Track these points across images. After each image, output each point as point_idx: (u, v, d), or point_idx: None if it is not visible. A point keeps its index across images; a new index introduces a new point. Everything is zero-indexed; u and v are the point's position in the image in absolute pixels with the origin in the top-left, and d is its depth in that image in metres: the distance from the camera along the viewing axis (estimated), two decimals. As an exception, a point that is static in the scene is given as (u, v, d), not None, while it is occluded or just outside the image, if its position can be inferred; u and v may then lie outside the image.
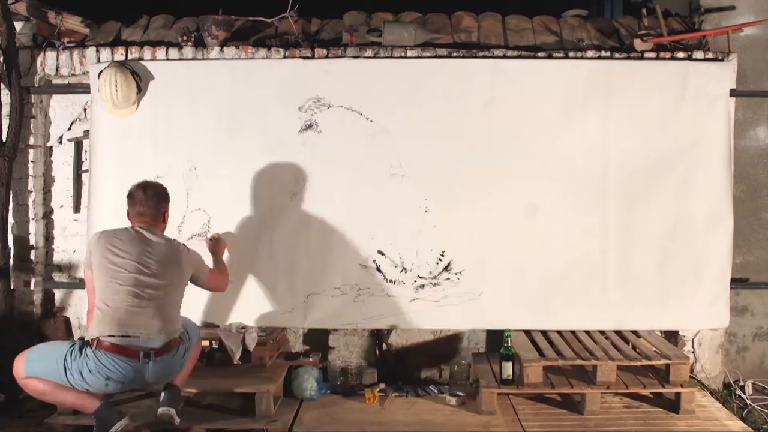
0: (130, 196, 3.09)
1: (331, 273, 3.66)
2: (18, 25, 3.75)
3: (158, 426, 2.93)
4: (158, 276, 2.94)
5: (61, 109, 3.92)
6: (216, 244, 3.53)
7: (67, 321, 3.93)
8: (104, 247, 2.93)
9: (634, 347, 3.54)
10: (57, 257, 3.96)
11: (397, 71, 3.67)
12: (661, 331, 3.82)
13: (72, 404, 2.96)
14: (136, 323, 2.84)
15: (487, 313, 3.67)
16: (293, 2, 3.75)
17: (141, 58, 3.75)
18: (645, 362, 3.34)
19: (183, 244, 3.15)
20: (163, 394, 2.93)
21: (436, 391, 3.65)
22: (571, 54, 3.75)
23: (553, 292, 3.67)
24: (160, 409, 2.89)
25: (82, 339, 2.91)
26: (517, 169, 3.65)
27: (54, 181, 3.96)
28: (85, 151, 3.87)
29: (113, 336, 2.80)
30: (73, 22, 3.81)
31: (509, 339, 3.42)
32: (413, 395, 3.63)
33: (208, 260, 3.40)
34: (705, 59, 3.74)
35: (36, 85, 3.84)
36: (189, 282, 3.16)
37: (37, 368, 2.85)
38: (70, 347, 2.85)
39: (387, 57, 3.74)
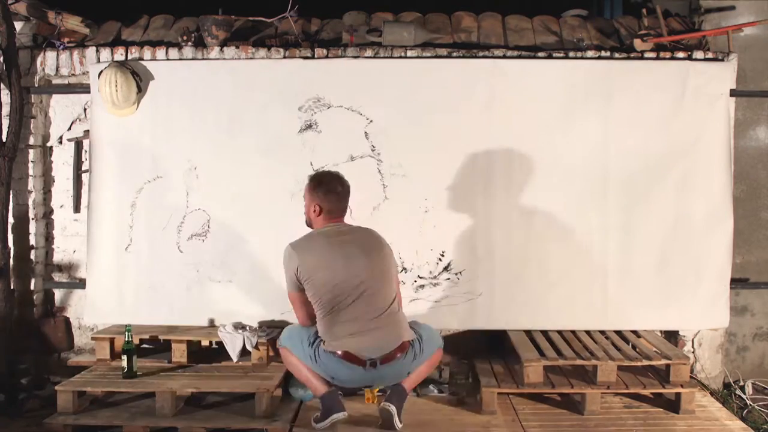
0: (326, 190, 3.06)
1: (331, 273, 3.66)
2: (18, 25, 3.75)
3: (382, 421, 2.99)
4: (376, 281, 2.97)
5: (61, 109, 3.92)
6: None
7: (67, 321, 3.93)
8: (309, 261, 2.96)
9: (634, 347, 3.54)
10: (57, 257, 3.96)
11: (397, 71, 3.67)
12: (661, 331, 3.82)
13: (306, 381, 3.09)
14: (362, 343, 2.91)
15: (487, 313, 3.68)
16: (293, 2, 3.75)
17: (141, 58, 3.75)
18: (645, 362, 3.33)
19: (381, 236, 3.16)
20: (390, 390, 3.04)
21: (436, 391, 3.64)
22: (571, 54, 3.76)
23: (554, 291, 3.67)
24: (383, 403, 2.98)
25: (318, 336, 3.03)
26: (517, 168, 3.65)
27: (54, 181, 3.96)
28: (85, 151, 3.87)
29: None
30: (73, 22, 3.81)
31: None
32: (413, 395, 3.63)
33: None
34: (705, 59, 3.74)
35: (36, 85, 3.85)
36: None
37: (287, 341, 3.12)
38: (309, 332, 3.05)
39: (387, 57, 3.74)
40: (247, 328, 3.54)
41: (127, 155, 3.69)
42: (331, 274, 2.95)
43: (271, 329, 3.62)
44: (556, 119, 3.64)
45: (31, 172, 3.86)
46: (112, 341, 3.56)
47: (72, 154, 3.89)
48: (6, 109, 3.66)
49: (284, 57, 3.74)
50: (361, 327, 2.94)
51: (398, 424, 2.96)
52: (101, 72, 3.56)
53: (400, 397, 3.02)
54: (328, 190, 3.07)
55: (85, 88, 3.80)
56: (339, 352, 2.93)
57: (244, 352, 3.49)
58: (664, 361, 3.35)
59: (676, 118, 3.65)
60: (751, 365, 4.01)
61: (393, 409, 2.95)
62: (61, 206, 3.95)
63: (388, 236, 3.61)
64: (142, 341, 3.71)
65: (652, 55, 3.75)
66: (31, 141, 3.85)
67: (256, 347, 3.48)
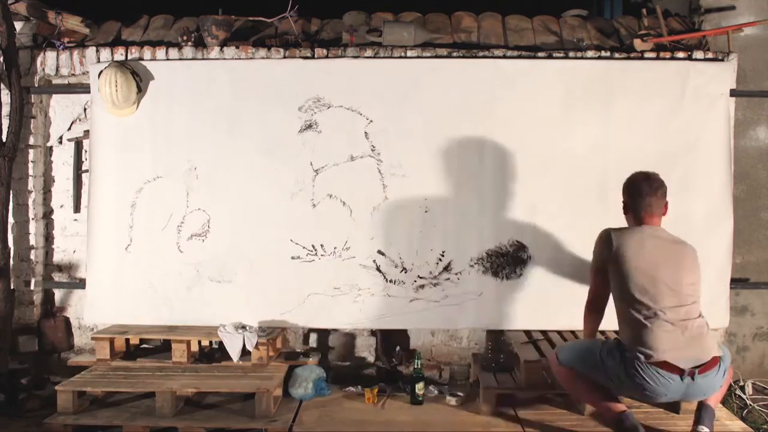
0: (637, 189, 2.92)
1: (331, 273, 3.66)
2: (18, 25, 3.75)
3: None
4: (691, 284, 2.80)
5: (61, 109, 3.92)
6: None
7: (67, 321, 3.93)
8: (634, 253, 2.80)
9: (634, 347, 3.53)
10: (57, 257, 3.96)
11: (397, 71, 3.67)
12: (661, 331, 3.81)
13: (592, 404, 2.95)
14: (683, 343, 2.71)
15: (487, 313, 3.68)
16: (293, 2, 3.75)
17: (141, 58, 3.75)
18: (645, 362, 3.33)
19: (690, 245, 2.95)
20: (699, 414, 2.86)
21: (436, 391, 3.64)
22: (571, 54, 3.76)
23: (554, 291, 3.67)
24: (699, 427, 2.82)
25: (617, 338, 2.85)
26: (517, 168, 3.65)
27: (54, 181, 3.96)
28: (85, 151, 3.87)
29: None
30: (73, 22, 3.81)
31: (419, 361, 3.49)
32: (418, 398, 3.62)
33: None
34: (705, 59, 3.74)
35: (36, 85, 3.85)
36: None
37: (568, 356, 2.93)
38: (604, 346, 2.84)
39: (387, 57, 3.74)
40: (247, 328, 3.54)
41: (127, 155, 3.69)
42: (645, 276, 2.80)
43: (272, 329, 3.63)
44: (557, 119, 3.64)
45: (31, 172, 3.86)
46: (112, 341, 3.56)
47: (72, 154, 3.90)
48: (6, 109, 3.66)
49: (284, 57, 3.74)
50: (677, 336, 2.73)
51: None
52: (101, 72, 3.56)
53: (711, 418, 2.85)
54: (632, 190, 2.95)
55: (85, 88, 3.80)
56: (658, 360, 2.69)
57: (244, 353, 3.49)
58: (664, 361, 3.34)
59: (676, 118, 3.65)
60: (751, 365, 4.01)
61: (706, 430, 2.81)
62: (61, 206, 3.96)
63: (388, 236, 3.64)
64: (142, 341, 3.72)
65: (652, 55, 3.75)
66: (31, 141, 3.86)
67: (256, 347, 3.48)
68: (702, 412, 2.86)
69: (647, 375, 2.71)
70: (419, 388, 3.45)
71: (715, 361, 2.77)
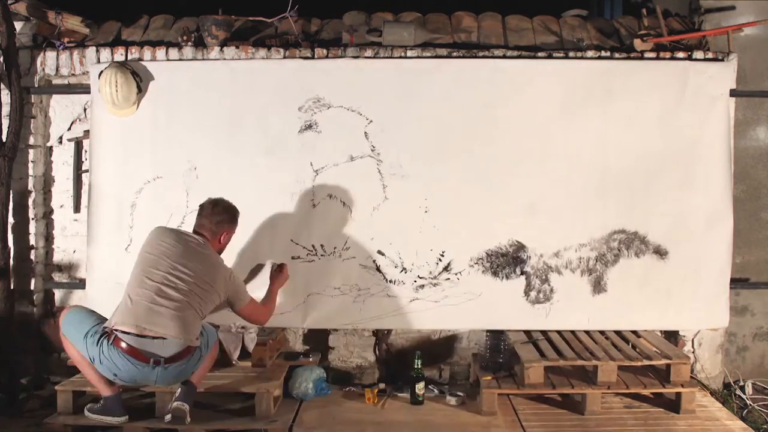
0: (201, 206, 3.23)
1: (330, 273, 3.66)
2: (18, 25, 3.75)
3: (172, 420, 2.99)
4: (188, 284, 2.96)
5: (61, 109, 3.92)
6: (278, 273, 3.50)
7: (67, 321, 3.93)
8: (151, 240, 3.06)
9: (634, 347, 3.54)
10: (57, 257, 3.96)
11: (397, 71, 3.67)
12: (661, 331, 3.82)
13: (90, 380, 3.07)
14: (154, 323, 2.88)
15: (487, 313, 3.67)
16: (293, 2, 3.75)
17: (141, 59, 3.75)
18: (646, 362, 3.34)
19: (229, 270, 3.18)
20: (179, 390, 3.04)
21: (436, 391, 3.64)
22: (571, 54, 3.75)
23: (553, 291, 3.67)
24: (175, 403, 2.99)
25: (103, 324, 2.98)
26: (517, 168, 3.65)
27: (54, 181, 3.96)
28: (85, 151, 3.87)
29: (128, 334, 2.86)
30: (73, 22, 3.81)
31: (419, 361, 3.49)
32: (417, 398, 3.62)
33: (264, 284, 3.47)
34: (705, 59, 3.74)
35: (36, 85, 3.84)
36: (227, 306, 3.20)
37: (69, 331, 3.04)
38: (92, 328, 2.97)
39: (387, 57, 3.74)
40: (247, 328, 3.53)
41: (127, 155, 3.69)
42: (148, 261, 3.04)
43: (272, 329, 3.63)
44: (557, 119, 3.64)
45: (31, 172, 3.86)
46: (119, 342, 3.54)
47: (72, 154, 3.89)
48: (6, 109, 3.66)
49: (284, 57, 3.74)
50: (149, 315, 2.93)
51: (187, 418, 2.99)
52: (101, 72, 3.56)
53: (191, 395, 3.06)
54: (200, 210, 3.24)
55: (85, 88, 3.80)
56: (123, 345, 2.88)
57: (244, 353, 3.48)
58: (664, 361, 3.35)
59: (676, 118, 3.64)
60: (751, 365, 4.01)
61: (186, 407, 2.99)
62: (61, 206, 3.95)
63: (388, 236, 3.64)
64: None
65: (652, 55, 3.75)
66: (31, 141, 3.85)
67: (256, 347, 3.48)
68: (182, 388, 3.05)
69: (115, 359, 2.89)
70: (419, 388, 3.45)
71: (188, 351, 2.96)
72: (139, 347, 2.86)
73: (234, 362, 3.48)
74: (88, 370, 3.01)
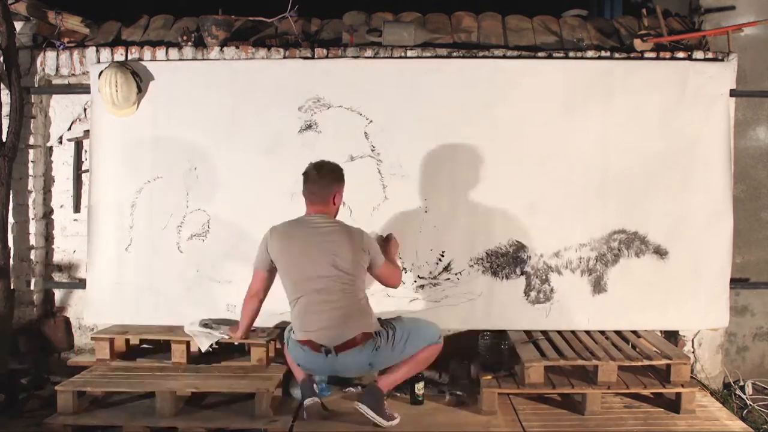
0: (305, 174, 3.08)
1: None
2: (18, 25, 3.75)
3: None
4: (336, 267, 2.96)
5: (61, 109, 3.93)
6: (387, 243, 3.42)
7: (67, 321, 3.93)
8: (280, 246, 3.03)
9: (634, 347, 3.54)
10: (57, 257, 3.96)
11: (397, 71, 3.67)
12: (661, 331, 3.82)
13: (294, 371, 3.30)
14: (312, 326, 2.99)
15: (487, 313, 3.68)
16: (293, 2, 3.75)
17: (141, 59, 3.75)
18: (646, 362, 3.33)
19: (358, 228, 3.10)
20: (365, 392, 3.11)
21: (436, 392, 3.64)
22: (571, 54, 3.76)
23: (553, 291, 3.67)
24: (356, 404, 3.05)
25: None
26: (517, 168, 3.65)
27: (54, 181, 3.96)
28: (85, 151, 3.87)
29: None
30: (73, 22, 3.81)
31: None
32: (417, 398, 3.61)
33: None
34: (705, 59, 3.74)
35: (36, 85, 3.85)
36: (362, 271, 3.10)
37: (287, 337, 3.22)
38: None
39: (387, 57, 3.74)
40: (213, 326, 3.51)
41: (127, 155, 3.69)
42: (293, 264, 3.04)
43: (272, 330, 3.62)
44: (556, 119, 3.64)
45: (31, 172, 3.86)
46: (112, 341, 3.55)
47: (72, 154, 3.90)
48: (6, 109, 3.66)
49: (284, 57, 3.74)
50: (320, 317, 2.99)
51: (382, 422, 3.01)
52: (101, 72, 3.56)
53: (373, 397, 3.04)
54: (305, 177, 3.09)
55: (85, 88, 3.80)
56: (302, 339, 3.03)
57: (244, 353, 3.48)
58: (664, 361, 3.35)
59: (676, 118, 3.65)
60: (751, 365, 4.01)
61: (364, 408, 3.01)
62: (61, 206, 3.95)
63: (389, 236, 3.63)
64: (142, 341, 3.72)
65: (652, 55, 3.75)
66: (31, 141, 3.86)
67: (256, 347, 3.47)
68: (366, 391, 3.10)
69: (296, 352, 3.09)
70: (419, 388, 3.45)
71: (361, 337, 2.99)
72: (309, 339, 3.00)
73: (203, 350, 3.46)
74: (291, 363, 3.27)
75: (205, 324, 3.52)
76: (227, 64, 3.72)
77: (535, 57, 3.74)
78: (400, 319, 3.25)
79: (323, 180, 3.06)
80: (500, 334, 3.65)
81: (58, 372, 3.75)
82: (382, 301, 3.65)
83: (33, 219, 3.87)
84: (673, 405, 3.35)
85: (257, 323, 3.63)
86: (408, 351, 3.11)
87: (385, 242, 3.44)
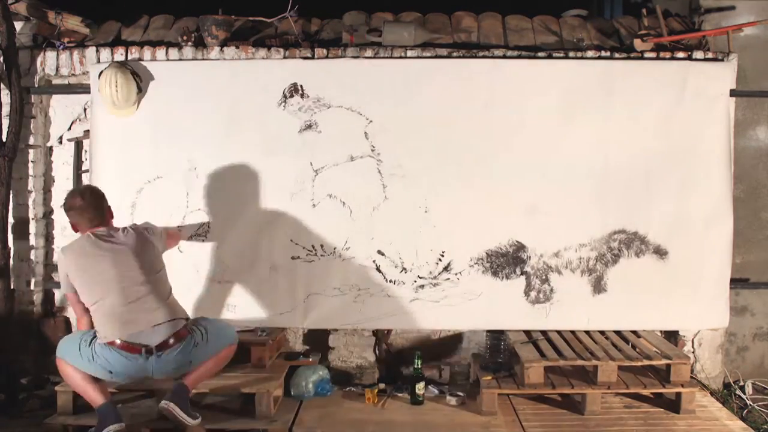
0: (70, 208, 3.05)
1: (331, 273, 3.66)
2: (18, 25, 3.75)
3: (160, 421, 2.95)
4: (139, 268, 2.96)
5: (61, 109, 3.92)
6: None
7: (67, 321, 3.93)
8: (78, 263, 2.96)
9: (634, 347, 3.54)
10: (57, 257, 3.95)
11: (397, 71, 3.67)
12: (661, 331, 3.82)
13: (84, 394, 2.99)
14: (136, 319, 2.90)
15: (487, 313, 3.68)
16: (293, 2, 3.75)
17: (141, 59, 3.75)
18: (646, 362, 3.34)
19: (137, 225, 3.16)
20: (173, 391, 2.96)
21: (436, 391, 3.64)
22: (571, 54, 3.75)
23: (553, 291, 3.67)
24: (162, 402, 2.92)
25: (93, 334, 3.00)
26: (517, 168, 3.65)
27: (54, 181, 3.96)
28: (85, 151, 3.87)
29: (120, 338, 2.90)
30: (73, 22, 3.81)
31: (419, 361, 3.48)
32: (417, 398, 3.62)
33: None
34: (705, 59, 3.74)
35: (36, 85, 3.84)
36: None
37: (63, 349, 3.03)
38: (84, 336, 3.00)
39: (387, 57, 3.74)
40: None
41: (127, 155, 3.69)
42: (88, 273, 2.96)
43: (272, 329, 3.62)
44: (556, 119, 3.64)
45: (31, 172, 3.86)
46: (111, 341, 3.54)
47: (72, 154, 3.90)
48: (6, 109, 3.66)
49: (284, 57, 3.74)
50: (128, 314, 2.92)
51: (190, 421, 2.94)
52: (101, 72, 3.56)
53: (181, 396, 2.95)
54: (68, 207, 3.07)
55: (85, 88, 3.80)
56: (117, 342, 2.90)
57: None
58: (664, 361, 3.35)
59: (676, 118, 3.65)
60: (751, 365, 4.01)
61: (174, 408, 2.90)
62: (61, 206, 3.95)
63: (388, 236, 3.64)
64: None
65: (652, 55, 3.75)
66: (31, 141, 3.85)
67: (256, 347, 3.47)
68: (173, 390, 2.97)
69: (109, 356, 2.91)
70: (419, 388, 3.45)
71: (180, 335, 2.96)
72: (129, 340, 2.89)
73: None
74: (81, 383, 2.96)
75: None
76: (227, 64, 3.72)
77: (535, 57, 3.74)
78: (205, 318, 3.23)
79: (92, 204, 3.05)
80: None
81: (58, 372, 3.74)
82: (382, 301, 3.66)
83: (33, 219, 3.87)
84: (673, 405, 3.36)
85: (257, 322, 3.65)
86: (214, 349, 3.07)
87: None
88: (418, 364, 3.48)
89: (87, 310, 3.05)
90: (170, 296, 3.09)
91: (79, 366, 2.95)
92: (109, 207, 3.14)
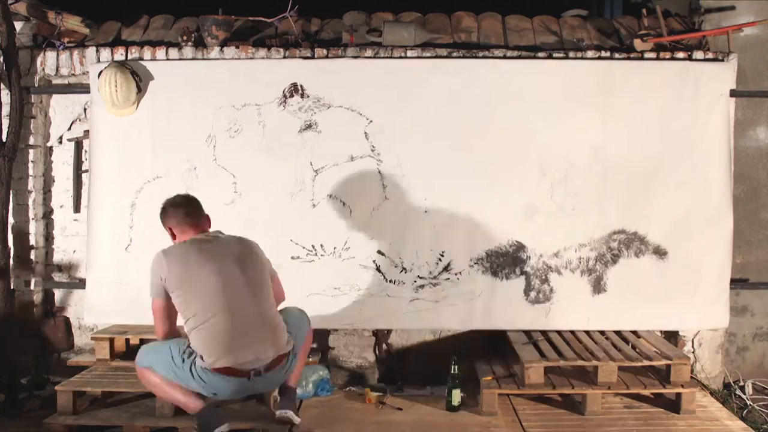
0: (171, 211, 2.86)
1: (331, 273, 3.66)
2: (18, 25, 3.75)
3: (277, 428, 2.80)
4: (246, 281, 2.70)
5: (61, 109, 3.93)
6: None
7: (67, 321, 3.93)
8: (179, 271, 2.66)
9: (634, 347, 3.54)
10: (57, 257, 3.96)
11: (397, 71, 3.67)
12: (661, 331, 3.82)
13: (178, 402, 2.76)
14: (247, 344, 2.62)
15: (487, 313, 3.68)
16: (293, 2, 3.75)
17: (141, 58, 3.75)
18: (646, 362, 3.34)
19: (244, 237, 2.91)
20: (280, 398, 2.86)
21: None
22: (571, 54, 3.75)
23: (553, 292, 3.67)
24: (278, 412, 2.78)
25: (187, 347, 2.69)
26: (516, 168, 3.65)
27: (54, 181, 3.96)
28: (85, 151, 3.87)
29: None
30: (73, 22, 3.81)
31: (455, 366, 3.37)
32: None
33: None
34: (705, 59, 3.74)
35: (36, 85, 3.85)
36: None
37: (151, 360, 2.73)
38: (180, 346, 2.68)
39: (387, 57, 3.74)
40: None
41: (127, 155, 3.69)
42: (191, 285, 2.67)
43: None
44: (556, 119, 3.64)
45: (31, 172, 3.86)
46: (112, 341, 3.55)
47: (72, 154, 3.90)
48: (6, 109, 3.66)
49: (284, 57, 3.74)
50: (238, 339, 2.63)
51: (298, 420, 2.80)
52: (101, 72, 3.56)
53: (291, 400, 2.83)
54: (172, 214, 2.88)
55: (85, 88, 3.80)
56: (219, 367, 2.60)
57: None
58: (664, 362, 3.35)
59: (676, 118, 3.65)
60: (751, 365, 4.01)
61: (290, 414, 2.77)
62: (61, 206, 3.95)
63: (388, 236, 3.64)
64: (142, 341, 3.71)
65: (652, 55, 3.75)
66: (31, 141, 3.85)
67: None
68: (283, 396, 2.84)
69: (214, 381, 2.62)
70: (455, 395, 3.34)
71: (281, 358, 2.71)
72: (238, 368, 2.61)
73: None
74: (171, 391, 2.70)
75: None
76: (227, 64, 3.72)
77: (535, 57, 3.74)
78: (284, 312, 2.91)
79: (195, 207, 2.91)
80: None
81: (58, 372, 3.76)
82: (382, 301, 3.66)
83: (33, 219, 3.87)
84: (673, 405, 3.36)
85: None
86: (300, 342, 2.88)
87: None
88: (454, 370, 3.35)
89: (172, 317, 2.75)
90: (276, 314, 2.79)
91: (175, 379, 2.68)
92: (207, 215, 2.93)
